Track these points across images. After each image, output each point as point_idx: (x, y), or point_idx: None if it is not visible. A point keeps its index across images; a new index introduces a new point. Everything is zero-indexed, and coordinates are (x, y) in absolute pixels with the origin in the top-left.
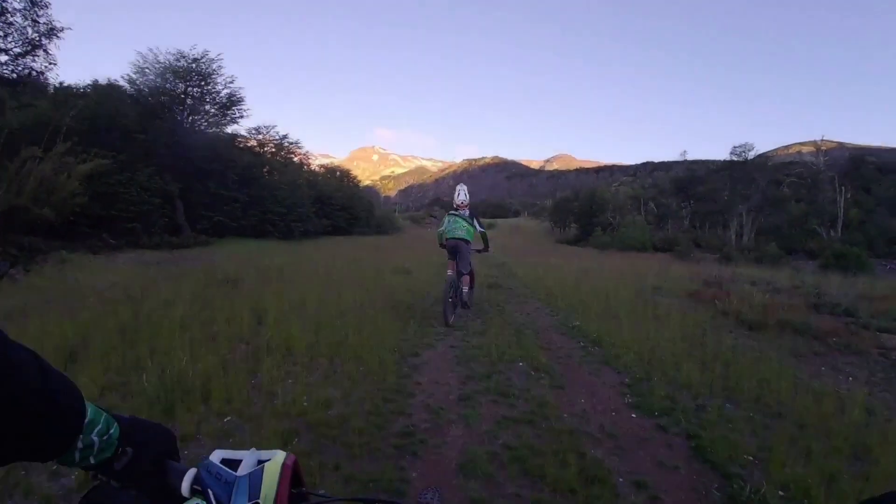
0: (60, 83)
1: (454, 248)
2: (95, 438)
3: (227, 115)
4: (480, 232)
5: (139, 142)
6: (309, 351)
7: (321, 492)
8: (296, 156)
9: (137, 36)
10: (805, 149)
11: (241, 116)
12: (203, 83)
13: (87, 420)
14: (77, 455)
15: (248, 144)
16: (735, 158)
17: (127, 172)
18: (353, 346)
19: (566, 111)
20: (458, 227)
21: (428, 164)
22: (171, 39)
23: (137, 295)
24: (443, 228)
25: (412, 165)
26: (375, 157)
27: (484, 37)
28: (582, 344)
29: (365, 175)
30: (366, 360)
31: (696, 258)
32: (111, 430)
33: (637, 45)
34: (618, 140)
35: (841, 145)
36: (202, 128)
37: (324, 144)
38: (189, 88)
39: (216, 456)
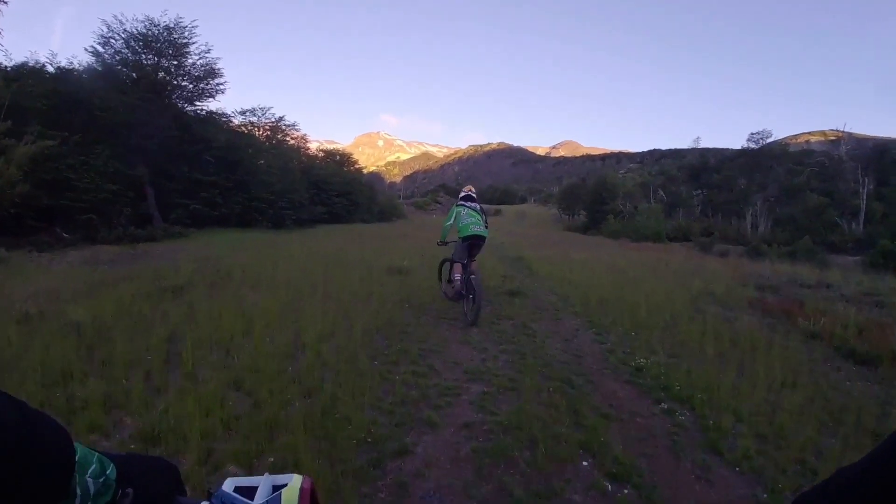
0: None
1: (471, 248)
2: (90, 480)
3: (203, 89)
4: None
5: (103, 122)
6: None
7: None
8: (292, 139)
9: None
10: (814, 138)
11: (219, 91)
12: (177, 54)
13: (76, 460)
14: (77, 502)
15: (231, 123)
16: (752, 146)
17: (81, 156)
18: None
19: (573, 98)
20: (476, 223)
21: (434, 150)
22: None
23: (36, 312)
24: (451, 223)
25: (417, 151)
26: (381, 143)
27: (491, 23)
28: (663, 405)
29: (370, 161)
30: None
31: (719, 251)
32: (107, 471)
33: (644, 33)
34: (624, 127)
35: (850, 135)
36: (178, 104)
37: (329, 131)
38: (161, 61)
39: (229, 485)
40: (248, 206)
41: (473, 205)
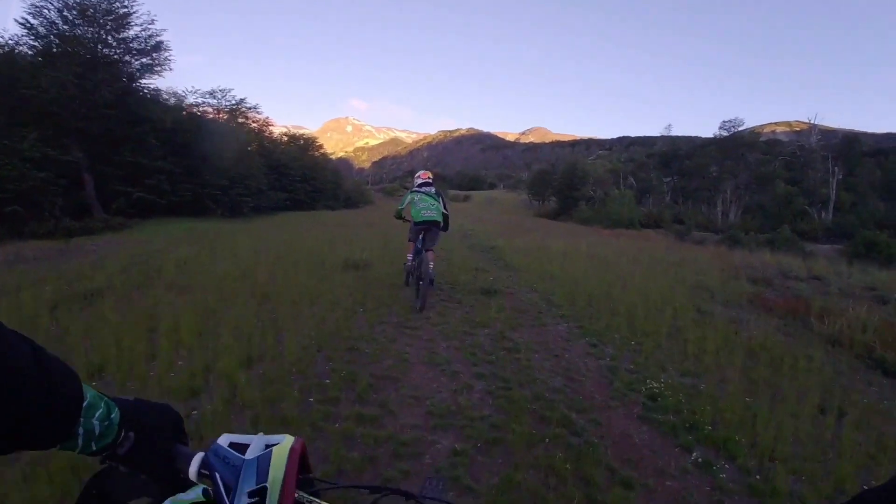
0: None
1: (425, 230)
2: (96, 423)
3: (147, 65)
4: (444, 214)
5: (31, 101)
6: None
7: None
8: (253, 122)
9: None
10: (780, 129)
11: (164, 67)
12: (117, 26)
13: (85, 404)
14: (79, 441)
15: (181, 103)
16: (724, 133)
17: (3, 140)
18: None
19: (542, 84)
20: (429, 208)
21: (403, 135)
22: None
23: None
24: (403, 206)
25: (387, 137)
26: (349, 129)
27: (461, 8)
28: (695, 454)
29: (338, 147)
30: None
31: (695, 238)
32: (112, 415)
33: (614, 20)
34: (594, 114)
35: (816, 127)
36: (120, 81)
37: (297, 116)
38: (101, 33)
39: (224, 440)
40: (200, 193)
41: (429, 189)
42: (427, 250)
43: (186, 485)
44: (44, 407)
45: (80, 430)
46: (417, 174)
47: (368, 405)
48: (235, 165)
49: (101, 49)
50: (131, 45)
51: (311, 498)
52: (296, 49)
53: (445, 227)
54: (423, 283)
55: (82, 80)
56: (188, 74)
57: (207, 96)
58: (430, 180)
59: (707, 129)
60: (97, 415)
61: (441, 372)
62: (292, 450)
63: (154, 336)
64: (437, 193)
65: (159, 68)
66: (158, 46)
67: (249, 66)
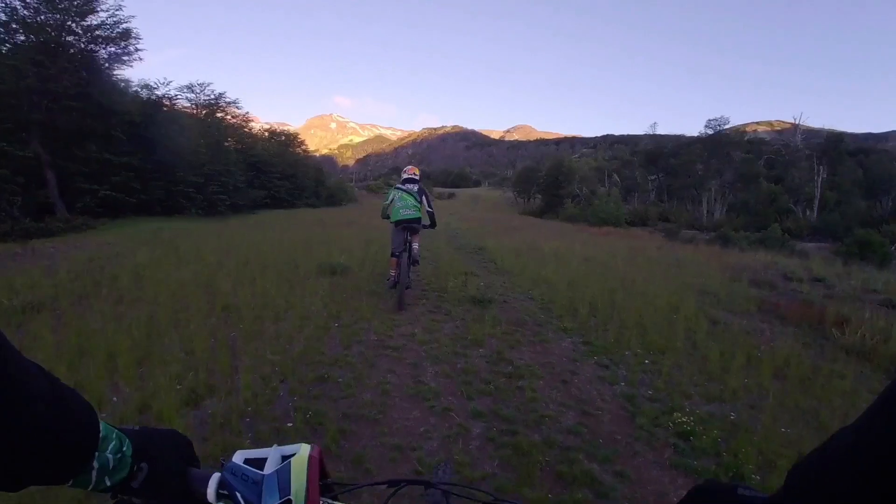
0: None
1: (404, 231)
2: (110, 456)
3: (112, 53)
4: (429, 212)
5: None
6: None
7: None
8: (232, 117)
9: None
10: (761, 128)
11: (131, 56)
12: (82, 11)
13: (101, 436)
14: (93, 476)
15: (148, 95)
16: (709, 132)
17: None
18: None
19: (527, 82)
20: (406, 206)
21: (387, 132)
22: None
23: None
24: (388, 203)
25: (371, 134)
26: (333, 126)
27: (446, 4)
28: None
29: (322, 144)
30: None
31: (685, 237)
32: (124, 447)
33: (599, 18)
34: (578, 113)
35: (798, 127)
36: (81, 69)
37: (280, 113)
38: (66, 20)
39: (239, 457)
40: (172, 190)
41: (411, 186)
42: (412, 236)
43: None
44: (60, 440)
45: (95, 465)
46: (405, 169)
47: (339, 461)
48: (211, 162)
49: (66, 37)
50: (97, 32)
51: (333, 503)
52: (279, 45)
53: (433, 225)
54: (401, 283)
55: (41, 69)
56: (168, 68)
57: (185, 90)
58: (417, 177)
59: (690, 127)
60: (110, 447)
61: (430, 409)
62: (311, 458)
63: (89, 362)
64: (420, 191)
65: (127, 58)
66: (126, 34)
67: (232, 61)
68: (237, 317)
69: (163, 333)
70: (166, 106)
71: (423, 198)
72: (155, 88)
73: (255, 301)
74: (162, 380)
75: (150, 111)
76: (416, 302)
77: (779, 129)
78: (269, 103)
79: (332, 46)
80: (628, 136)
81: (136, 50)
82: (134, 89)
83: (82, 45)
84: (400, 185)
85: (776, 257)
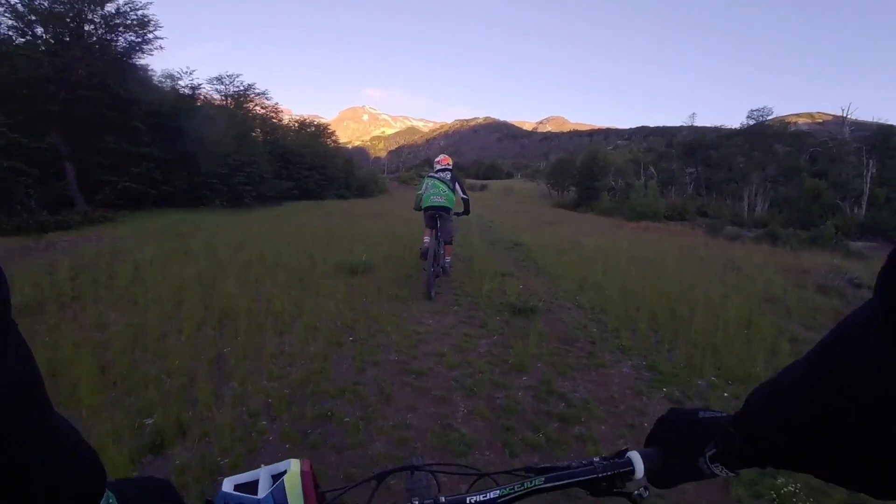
0: None
1: (433, 218)
2: None
3: (131, 42)
4: (463, 199)
5: (3, 83)
6: None
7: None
8: (262, 108)
9: None
10: (801, 120)
11: (151, 45)
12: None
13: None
14: None
15: (170, 85)
16: (751, 122)
17: None
18: None
19: (560, 73)
20: (438, 193)
21: (419, 124)
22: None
23: None
24: (421, 191)
25: (403, 126)
26: (365, 118)
27: None
28: None
29: (355, 136)
30: None
31: (729, 234)
32: (110, 501)
33: (635, 6)
34: (612, 104)
35: (843, 118)
36: (96, 58)
37: (312, 106)
38: (81, 8)
39: (228, 485)
40: (195, 181)
41: (443, 174)
42: (446, 244)
43: None
44: (68, 493)
45: None
46: (437, 159)
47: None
48: (236, 152)
49: (82, 26)
50: (116, 20)
51: None
52: (311, 38)
53: (466, 212)
54: (438, 273)
55: (55, 59)
56: (202, 63)
57: (214, 81)
58: (449, 166)
59: (727, 119)
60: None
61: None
62: (304, 473)
63: (60, 384)
64: (453, 179)
65: (147, 47)
66: (145, 22)
67: (264, 55)
68: (235, 327)
69: (146, 348)
70: (189, 95)
71: (456, 185)
72: (178, 78)
73: (260, 306)
74: (125, 416)
75: (172, 101)
76: (447, 309)
77: (820, 121)
78: (301, 97)
79: (363, 39)
80: (663, 127)
81: (157, 38)
82: (157, 79)
83: (99, 34)
84: (433, 174)
85: (833, 258)
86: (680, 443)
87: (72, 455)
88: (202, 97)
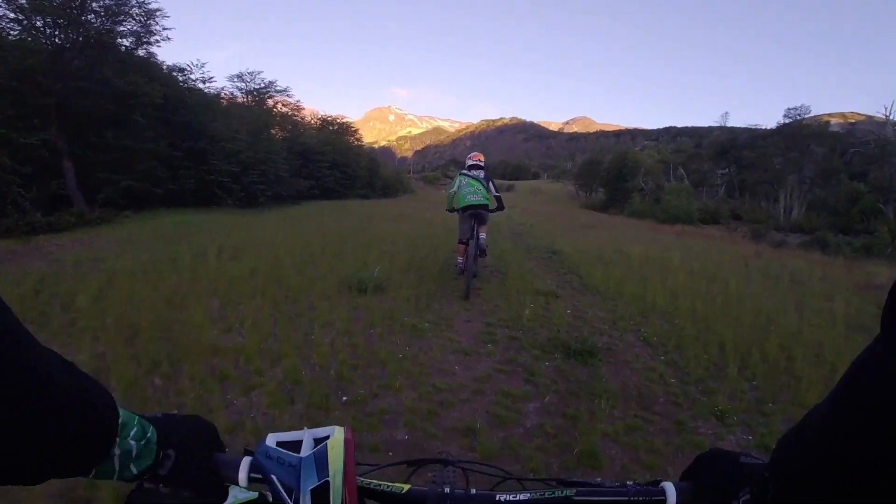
0: None
1: (471, 217)
2: (133, 443)
3: (134, 32)
4: (495, 196)
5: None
6: None
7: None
8: (283, 105)
9: None
10: (833, 120)
11: (153, 34)
12: None
13: (120, 422)
14: (116, 463)
15: (176, 77)
16: (787, 121)
17: None
18: None
19: (587, 73)
20: (474, 192)
21: (445, 124)
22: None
23: None
24: (454, 190)
25: (429, 126)
26: (392, 118)
27: None
28: None
29: (381, 136)
30: None
31: (775, 240)
32: (148, 434)
33: (662, 6)
34: (639, 104)
35: (870, 118)
36: (90, 45)
37: (339, 106)
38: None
39: (272, 440)
40: (205, 180)
41: (477, 173)
42: (479, 223)
43: (225, 493)
44: (80, 429)
45: (117, 451)
46: (469, 156)
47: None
48: (250, 149)
49: (82, 16)
50: (118, 9)
51: (368, 481)
52: (337, 37)
53: (501, 208)
54: (468, 271)
55: (50, 49)
56: (229, 64)
57: (235, 79)
58: (482, 163)
59: (760, 118)
60: (132, 434)
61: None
62: (347, 441)
63: None
64: (487, 177)
65: (151, 37)
66: (150, 12)
67: (291, 56)
68: (192, 374)
69: None
70: (197, 88)
71: (490, 183)
72: (188, 72)
73: (233, 342)
74: None
75: (180, 95)
76: (479, 347)
77: (853, 121)
78: (327, 97)
79: (389, 38)
80: (692, 127)
81: (164, 29)
82: (166, 71)
83: (99, 24)
84: (465, 172)
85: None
86: (716, 483)
87: (67, 393)
88: (222, 94)
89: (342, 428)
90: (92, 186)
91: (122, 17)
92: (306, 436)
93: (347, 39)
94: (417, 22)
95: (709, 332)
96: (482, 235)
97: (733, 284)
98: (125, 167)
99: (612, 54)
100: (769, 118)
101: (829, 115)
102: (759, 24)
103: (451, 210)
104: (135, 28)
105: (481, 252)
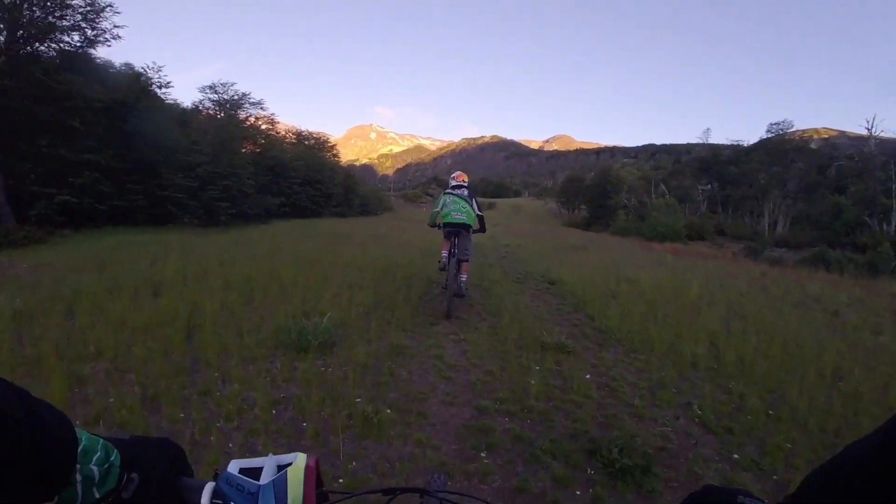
0: None
1: (453, 234)
2: (95, 468)
3: (74, 24)
4: (479, 216)
5: None
6: None
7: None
8: (256, 118)
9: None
10: (807, 135)
11: (101, 32)
12: None
13: (80, 448)
14: (79, 490)
15: (124, 77)
16: (770, 136)
17: None
18: None
19: (566, 92)
20: (459, 210)
21: (426, 142)
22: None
23: None
24: (438, 209)
25: (410, 144)
26: (373, 136)
27: (484, 15)
28: None
29: (362, 153)
30: None
31: (773, 257)
32: (112, 458)
33: (638, 26)
34: (618, 122)
35: (843, 133)
36: (17, 41)
37: (320, 123)
38: None
39: (233, 466)
40: (157, 195)
41: (461, 192)
42: (460, 261)
43: None
44: (38, 458)
45: (79, 478)
46: (453, 175)
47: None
48: (210, 162)
49: (27, 12)
50: (55, 4)
51: None
52: (319, 56)
53: (483, 229)
54: (451, 293)
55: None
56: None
57: (207, 90)
58: (465, 183)
59: (740, 134)
60: (95, 459)
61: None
62: (308, 468)
63: None
64: (470, 196)
65: (96, 33)
66: (98, 9)
67: (271, 73)
68: None
69: None
70: (147, 91)
71: (474, 202)
72: (142, 74)
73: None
74: None
75: (127, 99)
76: (469, 457)
77: (826, 136)
78: (309, 114)
79: (372, 58)
80: (670, 144)
81: (115, 27)
82: (112, 72)
83: (32, 14)
84: (450, 191)
85: None
86: None
87: (20, 423)
88: (169, 97)
89: (305, 455)
90: (26, 201)
91: (61, 11)
92: (269, 462)
93: (330, 59)
94: (400, 43)
95: (778, 402)
96: (463, 277)
97: (768, 320)
98: (61, 180)
99: (590, 73)
100: (749, 134)
101: (804, 130)
102: (738, 40)
103: (434, 226)
104: (78, 22)
105: (459, 294)
